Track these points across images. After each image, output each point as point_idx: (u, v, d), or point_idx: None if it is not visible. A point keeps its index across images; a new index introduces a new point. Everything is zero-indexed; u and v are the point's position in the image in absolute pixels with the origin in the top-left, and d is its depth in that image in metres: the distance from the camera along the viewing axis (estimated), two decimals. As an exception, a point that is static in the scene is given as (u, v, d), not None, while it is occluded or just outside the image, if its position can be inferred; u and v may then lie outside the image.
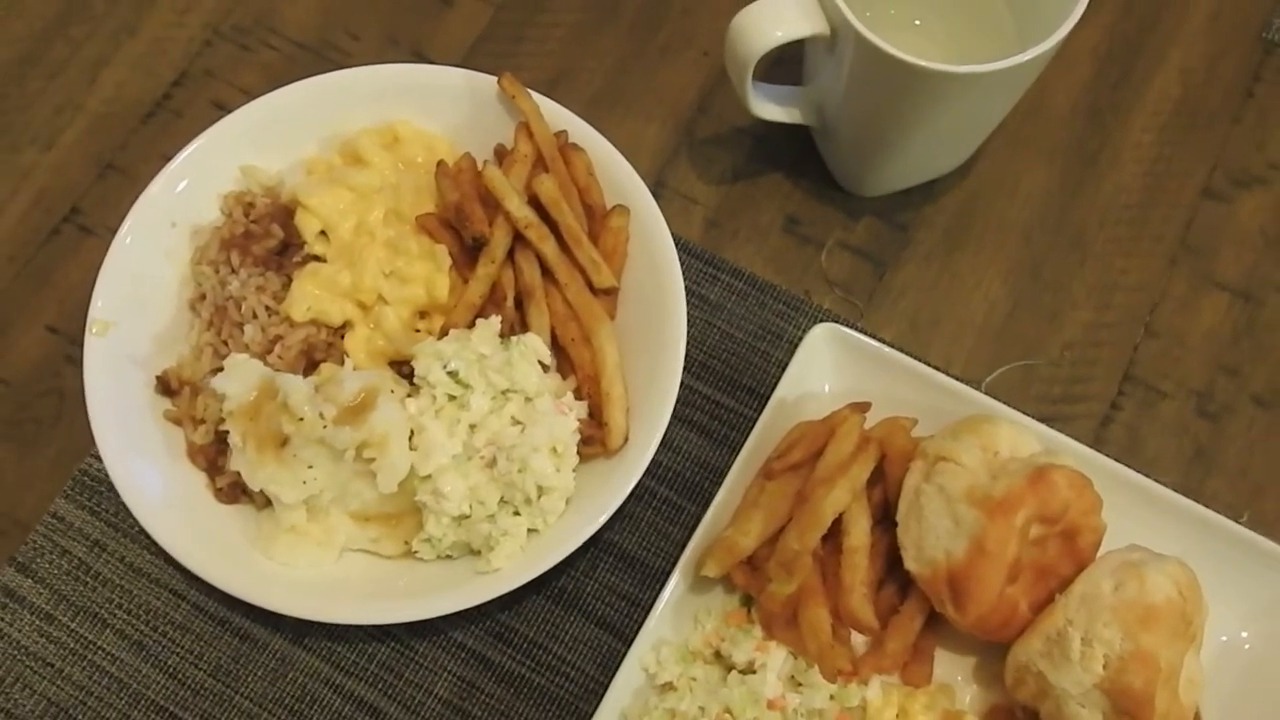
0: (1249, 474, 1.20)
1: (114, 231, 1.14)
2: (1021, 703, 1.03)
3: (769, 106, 1.20)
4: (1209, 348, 1.24)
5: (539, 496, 1.05)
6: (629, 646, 1.05)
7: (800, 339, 1.13)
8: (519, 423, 1.07)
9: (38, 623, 1.12)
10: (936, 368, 1.14)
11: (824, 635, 1.02)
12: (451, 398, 1.07)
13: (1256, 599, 1.08)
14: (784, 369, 1.13)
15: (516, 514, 1.06)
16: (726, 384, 1.21)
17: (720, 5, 1.37)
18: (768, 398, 1.12)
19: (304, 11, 1.38)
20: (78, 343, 1.15)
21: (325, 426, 1.03)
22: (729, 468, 1.10)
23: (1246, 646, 1.08)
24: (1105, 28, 1.36)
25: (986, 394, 1.13)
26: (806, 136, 1.29)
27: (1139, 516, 1.08)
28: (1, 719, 1.08)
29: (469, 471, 1.05)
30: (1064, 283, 1.26)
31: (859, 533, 1.04)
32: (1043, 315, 1.25)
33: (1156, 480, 1.09)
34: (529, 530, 1.07)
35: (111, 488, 1.07)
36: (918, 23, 1.19)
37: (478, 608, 1.06)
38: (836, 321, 1.15)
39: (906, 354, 1.14)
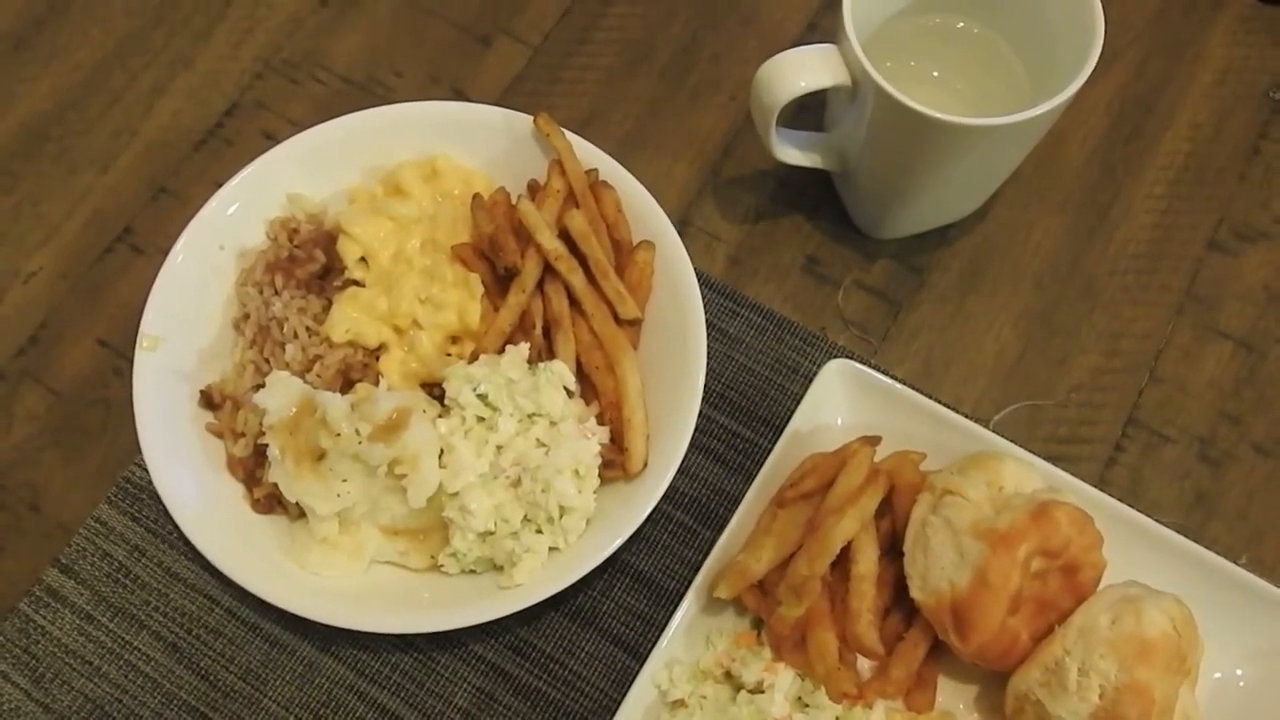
0: (1249, 519, 1.22)
1: (164, 252, 1.19)
2: (1020, 731, 1.06)
3: (791, 151, 1.24)
4: (1212, 395, 1.27)
5: (561, 516, 1.09)
6: (642, 664, 1.07)
7: (815, 373, 1.17)
8: (544, 445, 1.11)
9: (78, 622, 1.16)
10: (947, 406, 1.18)
11: (830, 658, 1.05)
12: (480, 419, 1.11)
13: (1253, 640, 1.10)
14: (799, 402, 1.16)
15: (539, 532, 1.09)
16: (743, 415, 1.24)
17: (748, 53, 1.43)
18: (782, 429, 1.15)
19: (351, 48, 1.44)
20: (126, 356, 1.20)
21: (360, 443, 1.07)
22: (743, 495, 1.13)
23: (1241, 684, 1.10)
24: (1118, 86, 1.41)
25: (994, 433, 1.15)
26: (827, 180, 1.33)
27: (1140, 555, 1.10)
28: (41, 713, 1.13)
29: (495, 490, 1.09)
30: (1073, 328, 1.30)
31: (866, 561, 1.07)
32: (1051, 359, 1.28)
33: (1157, 521, 1.12)
34: (550, 548, 1.10)
35: (153, 495, 1.11)
36: (936, 74, 1.23)
37: (498, 622, 1.09)
38: (851, 358, 1.18)
39: (918, 392, 1.17)
